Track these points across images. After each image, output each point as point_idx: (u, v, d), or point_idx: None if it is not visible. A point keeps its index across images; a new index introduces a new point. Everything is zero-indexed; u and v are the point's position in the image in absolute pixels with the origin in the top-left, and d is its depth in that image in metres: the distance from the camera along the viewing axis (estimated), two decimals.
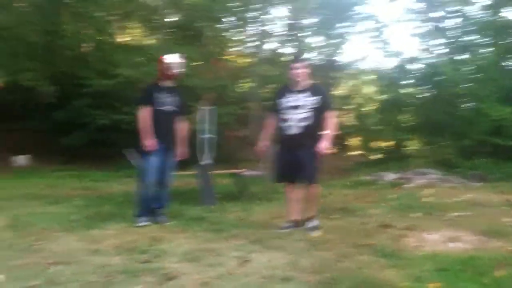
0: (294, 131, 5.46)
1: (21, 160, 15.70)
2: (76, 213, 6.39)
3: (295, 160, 5.40)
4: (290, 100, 5.58)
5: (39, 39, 18.18)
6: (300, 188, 5.52)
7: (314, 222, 5.47)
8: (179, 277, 3.69)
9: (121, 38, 23.93)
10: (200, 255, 4.33)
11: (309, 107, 5.45)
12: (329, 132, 5.39)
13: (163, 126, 5.73)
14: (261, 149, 5.77)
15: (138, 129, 5.78)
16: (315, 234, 5.22)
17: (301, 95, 5.52)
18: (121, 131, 15.72)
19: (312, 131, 5.41)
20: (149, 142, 5.68)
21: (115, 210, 6.65)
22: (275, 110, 5.72)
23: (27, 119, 17.88)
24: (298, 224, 5.52)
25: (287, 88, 5.79)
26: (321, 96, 5.52)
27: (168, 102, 5.86)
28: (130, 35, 25.03)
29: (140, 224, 5.60)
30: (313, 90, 5.58)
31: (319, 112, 5.45)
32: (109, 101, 16.09)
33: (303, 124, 5.43)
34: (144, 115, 5.75)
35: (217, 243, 4.81)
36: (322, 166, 5.59)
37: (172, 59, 5.91)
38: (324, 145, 5.29)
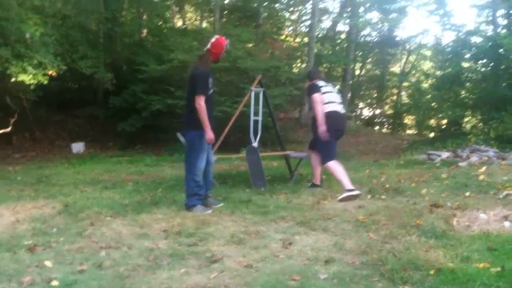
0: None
1: (79, 146, 16.24)
2: (129, 198, 6.55)
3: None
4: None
5: (99, 27, 18.66)
6: None
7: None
8: (223, 259, 3.73)
9: (177, 23, 24.29)
10: (245, 237, 4.36)
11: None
12: None
13: (210, 110, 5.69)
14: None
15: (197, 116, 5.53)
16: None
17: None
18: (175, 116, 16.02)
19: None
20: (211, 135, 5.60)
21: (166, 194, 6.77)
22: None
23: (85, 106, 18.42)
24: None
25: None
26: None
27: (211, 86, 5.83)
28: (186, 19, 25.36)
29: (207, 212, 5.51)
30: None
31: None
32: (164, 86, 16.37)
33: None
34: (204, 104, 5.54)
35: (263, 225, 4.83)
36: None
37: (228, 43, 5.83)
38: None
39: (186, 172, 5.77)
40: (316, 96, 6.53)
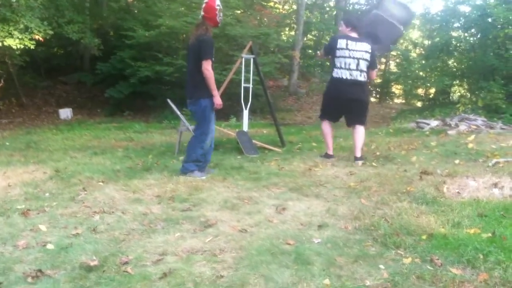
0: None
1: (66, 112, 16.13)
2: (120, 164, 6.53)
3: None
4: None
5: None
6: None
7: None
8: (217, 224, 3.77)
9: None
10: (238, 203, 4.39)
11: None
12: None
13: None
14: None
15: (205, 83, 5.49)
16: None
17: None
18: (163, 83, 15.92)
19: None
20: (219, 100, 5.59)
21: (157, 161, 6.77)
22: None
23: (72, 72, 18.23)
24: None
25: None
26: None
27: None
28: None
29: (205, 177, 5.55)
30: None
31: None
32: (152, 53, 16.21)
33: None
34: (211, 70, 5.51)
35: (256, 191, 4.86)
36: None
37: (220, 3, 5.70)
38: None
39: (194, 139, 5.74)
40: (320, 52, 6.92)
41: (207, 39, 5.51)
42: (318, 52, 6.96)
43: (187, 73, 5.77)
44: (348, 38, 6.23)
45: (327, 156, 6.64)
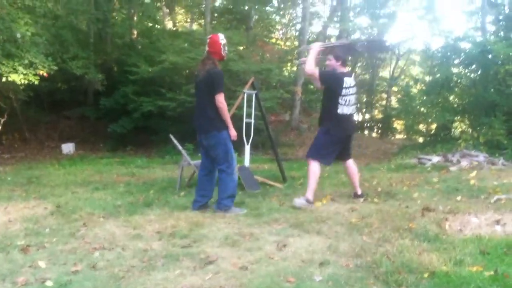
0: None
1: (69, 147, 16.19)
2: (121, 199, 6.53)
3: None
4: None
5: (89, 27, 18.62)
6: None
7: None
8: (218, 261, 3.74)
9: (167, 25, 24.30)
10: (239, 239, 4.37)
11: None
12: None
13: None
14: None
15: (219, 117, 5.56)
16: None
17: None
18: (166, 118, 16.02)
19: None
20: (234, 131, 5.67)
21: (158, 196, 6.76)
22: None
23: (75, 107, 18.36)
24: None
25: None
26: None
27: None
28: (176, 21, 25.36)
29: (243, 212, 5.58)
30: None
31: None
32: (155, 88, 16.37)
33: None
34: (225, 103, 5.55)
35: (257, 227, 4.84)
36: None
37: (224, 38, 5.77)
38: None
39: (223, 175, 5.69)
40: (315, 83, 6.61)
41: (218, 72, 5.59)
42: (305, 64, 6.23)
43: (197, 109, 5.78)
44: (345, 75, 6.21)
45: (309, 202, 5.87)
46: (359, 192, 6.35)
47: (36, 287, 3.26)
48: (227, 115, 5.59)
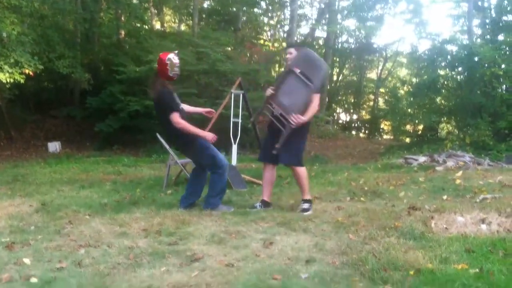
0: None
1: (55, 146, 16.10)
2: (107, 197, 6.51)
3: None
4: None
5: (76, 27, 18.53)
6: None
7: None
8: (204, 258, 3.72)
9: (155, 25, 24.22)
10: (226, 237, 4.36)
11: None
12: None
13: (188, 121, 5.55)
14: None
15: (185, 132, 5.40)
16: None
17: None
18: (153, 117, 15.96)
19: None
20: (207, 134, 5.53)
21: (145, 194, 6.74)
22: None
23: (61, 106, 18.25)
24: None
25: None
26: None
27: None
28: (164, 21, 25.30)
29: (231, 210, 5.58)
30: None
31: None
32: (142, 87, 16.32)
33: None
34: (181, 120, 5.38)
35: (243, 225, 4.83)
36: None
37: (176, 57, 5.52)
38: None
39: (214, 176, 5.62)
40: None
41: (164, 92, 5.44)
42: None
43: (162, 128, 5.71)
44: None
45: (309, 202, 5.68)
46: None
47: (21, 284, 3.22)
48: (191, 129, 5.42)
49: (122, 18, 21.50)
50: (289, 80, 5.53)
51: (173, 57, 5.47)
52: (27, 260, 3.67)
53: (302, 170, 5.71)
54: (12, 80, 12.16)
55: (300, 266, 3.58)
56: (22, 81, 12.32)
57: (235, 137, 7.86)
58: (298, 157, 5.71)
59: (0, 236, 4.41)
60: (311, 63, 5.56)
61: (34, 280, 3.27)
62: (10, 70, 11.94)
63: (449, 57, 17.12)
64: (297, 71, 5.44)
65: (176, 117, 5.34)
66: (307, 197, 5.66)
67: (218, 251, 3.94)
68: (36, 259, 3.73)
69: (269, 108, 5.64)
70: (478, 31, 17.79)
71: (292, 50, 5.81)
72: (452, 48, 17.40)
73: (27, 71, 12.41)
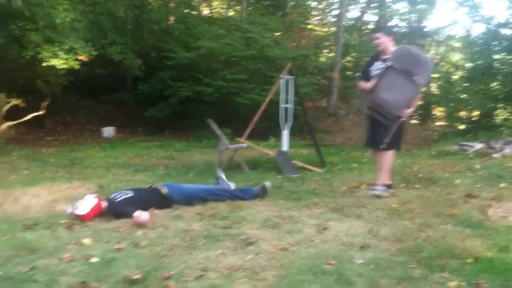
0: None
1: (109, 131, 16.44)
2: (161, 181, 6.59)
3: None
4: (375, 68, 5.60)
5: (127, 14, 18.79)
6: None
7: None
8: (258, 242, 3.76)
9: (203, 11, 24.32)
10: (279, 222, 4.38)
11: None
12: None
13: None
14: None
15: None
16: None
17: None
18: (203, 103, 16.12)
19: None
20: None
21: (198, 179, 6.82)
22: (365, 78, 5.71)
23: (114, 92, 18.60)
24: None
25: (376, 57, 5.77)
26: None
27: None
28: (212, 7, 25.37)
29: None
30: None
31: None
32: (192, 73, 16.45)
33: None
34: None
35: (296, 210, 4.84)
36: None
37: None
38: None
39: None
40: None
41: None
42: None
43: None
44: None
45: (389, 187, 5.75)
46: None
47: (81, 263, 3.34)
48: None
49: (171, 4, 21.66)
50: (389, 75, 5.46)
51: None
52: (86, 241, 3.80)
53: (391, 154, 5.77)
54: (67, 66, 12.42)
55: (355, 252, 3.56)
56: (77, 67, 12.57)
57: (286, 123, 7.84)
58: (398, 143, 5.78)
59: (60, 217, 4.57)
60: (414, 58, 5.49)
61: (94, 259, 3.38)
62: (65, 57, 12.20)
63: (505, 41, 16.50)
64: (398, 66, 5.40)
65: None
66: (387, 181, 5.72)
67: (271, 235, 3.96)
68: (95, 240, 3.86)
69: (367, 103, 5.70)
70: None
71: (380, 34, 5.74)
72: (507, 31, 16.76)
73: (81, 57, 12.64)
